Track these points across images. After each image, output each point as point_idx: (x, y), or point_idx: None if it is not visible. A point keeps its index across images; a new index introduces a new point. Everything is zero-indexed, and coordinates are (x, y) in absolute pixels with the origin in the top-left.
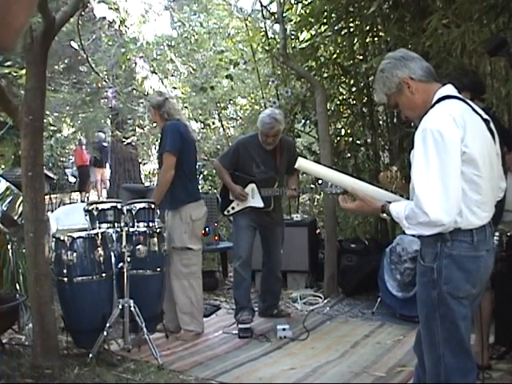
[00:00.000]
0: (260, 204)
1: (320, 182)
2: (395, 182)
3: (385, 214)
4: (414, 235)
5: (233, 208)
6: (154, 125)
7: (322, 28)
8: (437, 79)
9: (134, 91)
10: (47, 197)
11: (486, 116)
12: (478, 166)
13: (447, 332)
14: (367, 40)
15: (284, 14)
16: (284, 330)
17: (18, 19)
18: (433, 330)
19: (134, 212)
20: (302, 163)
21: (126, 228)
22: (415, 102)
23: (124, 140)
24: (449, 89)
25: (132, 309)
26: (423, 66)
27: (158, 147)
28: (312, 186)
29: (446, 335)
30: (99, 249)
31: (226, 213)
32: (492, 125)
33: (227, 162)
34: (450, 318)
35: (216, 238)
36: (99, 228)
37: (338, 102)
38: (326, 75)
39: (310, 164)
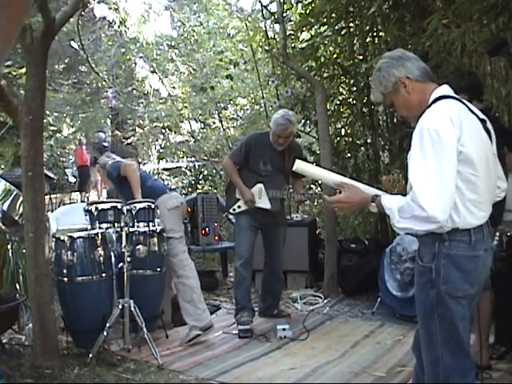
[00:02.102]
0: (267, 205)
1: (320, 182)
2: (397, 186)
3: (374, 204)
4: (412, 235)
5: (239, 207)
6: (154, 125)
7: (322, 28)
8: (433, 79)
9: (134, 91)
10: (47, 197)
11: (482, 116)
12: (475, 166)
13: (446, 332)
14: (367, 40)
15: (284, 14)
16: (284, 329)
17: None
18: (431, 330)
19: (133, 212)
20: (299, 165)
21: (126, 228)
22: (411, 102)
23: (124, 140)
24: (445, 89)
25: (132, 309)
26: (420, 66)
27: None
28: (312, 186)
29: (444, 335)
30: (99, 249)
31: (231, 211)
32: (489, 125)
33: (240, 158)
34: (448, 318)
35: (216, 238)
36: (99, 228)
37: (338, 102)
38: (326, 75)
39: (308, 166)
